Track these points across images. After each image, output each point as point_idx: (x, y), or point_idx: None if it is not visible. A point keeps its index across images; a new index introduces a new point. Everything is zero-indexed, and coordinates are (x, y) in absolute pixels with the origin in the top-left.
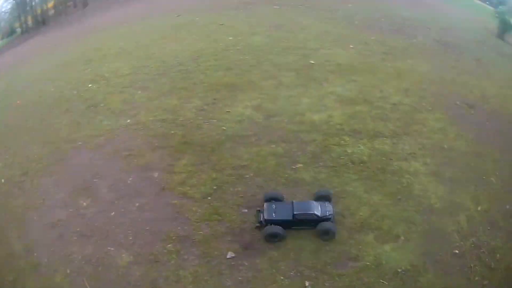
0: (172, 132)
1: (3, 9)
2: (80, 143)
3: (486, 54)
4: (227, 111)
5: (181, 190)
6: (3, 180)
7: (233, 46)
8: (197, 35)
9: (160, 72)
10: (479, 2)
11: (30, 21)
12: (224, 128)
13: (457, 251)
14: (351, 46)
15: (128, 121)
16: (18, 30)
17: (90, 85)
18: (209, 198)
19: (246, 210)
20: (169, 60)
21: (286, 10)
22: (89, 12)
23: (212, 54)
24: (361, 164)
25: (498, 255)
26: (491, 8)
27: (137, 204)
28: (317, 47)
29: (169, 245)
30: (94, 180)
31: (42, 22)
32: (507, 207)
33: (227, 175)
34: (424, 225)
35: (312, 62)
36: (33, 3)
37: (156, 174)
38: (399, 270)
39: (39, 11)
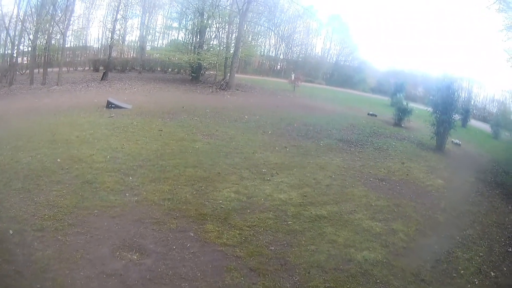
0: (184, 207)
1: None
2: (96, 211)
3: (386, 142)
4: (216, 195)
5: (220, 241)
6: (11, 231)
7: (185, 150)
8: (146, 137)
9: (136, 164)
10: (372, 95)
11: None
12: (223, 206)
13: None
14: (277, 149)
15: (136, 198)
16: None
17: (71, 164)
18: (244, 243)
19: (272, 248)
20: (136, 156)
21: (206, 120)
22: (17, 91)
23: (172, 154)
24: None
25: None
26: (386, 98)
27: (190, 252)
28: (251, 151)
29: (235, 273)
30: (134, 239)
31: None
32: None
33: (247, 231)
34: None
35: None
36: None
37: (192, 234)
38: None
39: None
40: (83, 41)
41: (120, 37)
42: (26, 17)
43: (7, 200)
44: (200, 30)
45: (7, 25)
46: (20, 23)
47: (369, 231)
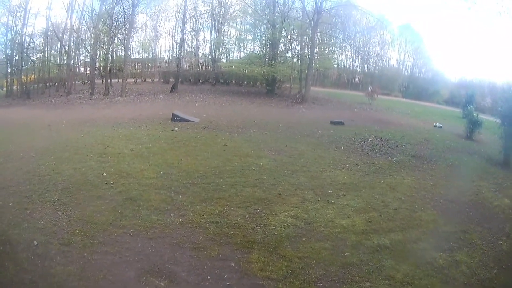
0: (231, 232)
1: None
2: (133, 231)
3: (457, 158)
4: (271, 219)
5: (263, 274)
6: (35, 242)
7: (248, 166)
8: (207, 152)
9: (189, 182)
10: (445, 107)
11: (15, 86)
12: (275, 233)
13: None
14: (347, 166)
15: (180, 219)
16: (3, 90)
17: (117, 179)
18: (289, 278)
19: (321, 284)
20: (192, 172)
21: (276, 135)
22: (75, 101)
23: (232, 171)
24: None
25: None
26: (458, 110)
27: (226, 284)
28: (320, 169)
29: None
30: (167, 265)
31: (26, 93)
32: None
33: (296, 263)
34: None
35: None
36: (21, 67)
37: (233, 264)
38: None
39: (23, 79)
40: (152, 52)
41: (193, 49)
42: (81, 28)
43: (39, 211)
44: (273, 42)
45: (60, 36)
46: (74, 34)
47: (432, 264)
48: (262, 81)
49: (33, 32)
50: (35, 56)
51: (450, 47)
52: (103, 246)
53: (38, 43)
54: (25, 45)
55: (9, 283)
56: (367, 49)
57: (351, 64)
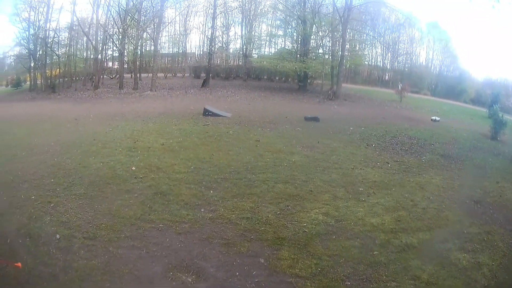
0: (262, 228)
1: (10, 51)
2: (161, 225)
3: (483, 158)
4: (302, 216)
5: (292, 271)
6: (58, 236)
7: (280, 162)
8: (240, 148)
9: (221, 177)
10: (471, 106)
11: (39, 80)
12: (306, 230)
13: None
14: (378, 164)
15: (211, 215)
16: (26, 84)
17: (146, 174)
18: (318, 276)
19: (349, 283)
20: (223, 168)
21: (309, 131)
22: (103, 95)
23: (264, 167)
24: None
25: None
26: (484, 110)
27: (254, 280)
28: (351, 167)
29: None
30: (195, 260)
31: (51, 87)
32: None
33: (326, 261)
34: None
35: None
36: (46, 62)
37: (262, 260)
38: None
39: (48, 73)
40: (182, 47)
41: (224, 44)
42: (108, 23)
43: (63, 205)
44: (304, 38)
45: (86, 30)
46: (101, 29)
47: (456, 265)
48: (294, 77)
49: (58, 27)
50: (60, 51)
51: (476, 45)
52: (129, 241)
53: (63, 38)
54: (49, 40)
55: (27, 276)
56: (397, 47)
57: (381, 61)
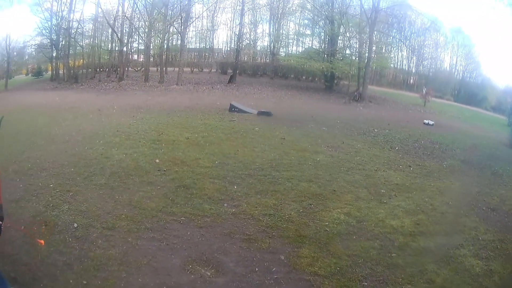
0: (284, 225)
1: (31, 41)
2: (183, 218)
3: (501, 166)
4: (324, 215)
5: (311, 269)
6: (75, 225)
7: (304, 161)
8: (265, 145)
9: (245, 173)
10: (492, 114)
11: (61, 70)
12: (327, 229)
13: None
14: (400, 167)
15: (233, 210)
16: (47, 74)
17: (170, 167)
18: (336, 275)
19: (366, 283)
20: (248, 164)
21: (334, 131)
22: (127, 87)
23: (289, 165)
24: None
25: None
26: (503, 118)
27: (273, 277)
28: (374, 168)
29: None
30: (215, 254)
31: (74, 77)
32: None
33: (345, 261)
34: None
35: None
36: (68, 52)
37: (282, 257)
38: None
39: (71, 63)
40: (209, 43)
41: (251, 41)
42: (134, 15)
43: (83, 194)
44: (332, 38)
45: (111, 22)
46: (127, 21)
47: (469, 271)
48: (320, 77)
49: (81, 18)
50: (83, 42)
51: (499, 52)
52: (150, 232)
53: (87, 29)
54: (73, 31)
55: (40, 264)
56: (422, 51)
57: (406, 64)
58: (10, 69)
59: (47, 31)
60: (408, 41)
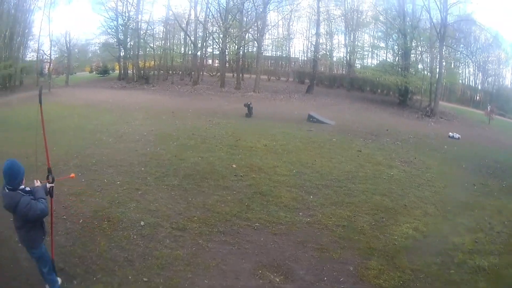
0: (356, 237)
1: (95, 39)
2: (258, 224)
3: None
4: (394, 229)
5: (376, 282)
6: (142, 223)
7: (379, 175)
8: (342, 156)
9: (322, 183)
10: None
11: (130, 70)
12: (396, 243)
13: None
14: (466, 185)
15: (308, 219)
16: (114, 72)
17: (247, 172)
18: None
19: None
20: (325, 174)
21: (407, 146)
22: (202, 91)
23: (364, 178)
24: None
25: None
26: None
27: (340, 287)
28: (443, 185)
29: None
30: (286, 261)
31: (145, 78)
32: None
33: (408, 275)
34: None
35: None
36: (138, 52)
37: (351, 268)
38: None
39: (141, 64)
40: (286, 51)
41: (327, 52)
42: (207, 20)
43: (153, 194)
44: (405, 52)
45: (183, 26)
46: (200, 26)
47: None
48: (395, 91)
49: (150, 20)
50: (154, 44)
51: None
52: (222, 236)
53: (157, 31)
54: (142, 32)
55: (96, 258)
56: (486, 67)
57: (473, 81)
58: (71, 66)
59: (113, 30)
60: (474, 57)
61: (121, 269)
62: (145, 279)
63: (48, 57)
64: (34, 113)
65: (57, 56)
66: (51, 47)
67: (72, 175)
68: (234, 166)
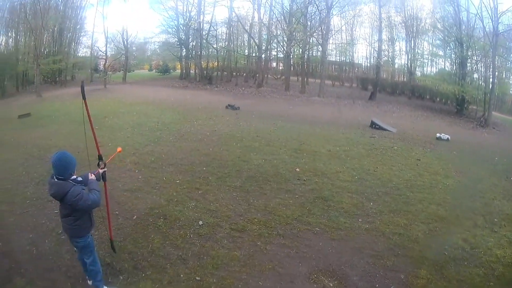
0: (410, 245)
1: (154, 38)
2: (317, 229)
3: None
4: (446, 238)
5: None
6: (200, 222)
7: (435, 184)
8: (402, 164)
9: (382, 191)
10: None
11: (192, 69)
12: (446, 253)
13: None
14: None
15: (367, 226)
16: (175, 71)
17: (310, 177)
18: None
19: None
20: (385, 182)
21: (463, 156)
22: (267, 94)
23: (421, 187)
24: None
25: None
26: None
27: None
28: (492, 197)
29: None
30: (342, 267)
31: (208, 79)
32: None
33: (453, 285)
34: None
35: None
36: (200, 53)
37: (402, 276)
38: None
39: (204, 64)
40: (350, 57)
41: (389, 59)
42: (271, 23)
43: (214, 194)
44: (462, 61)
45: (247, 28)
46: (264, 28)
47: None
48: (452, 100)
49: (213, 21)
50: (217, 45)
51: None
52: (281, 239)
53: (220, 32)
54: (204, 32)
55: (148, 255)
56: None
57: None
58: (128, 63)
59: (174, 29)
60: None
61: (173, 267)
62: (197, 278)
63: (103, 54)
64: (81, 107)
65: (113, 53)
66: (106, 44)
67: (119, 149)
68: (297, 170)
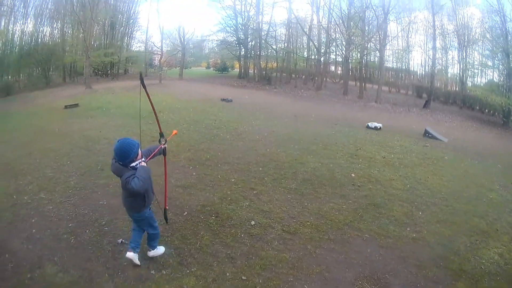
0: (451, 257)
1: (212, 36)
2: (367, 236)
3: None
4: (484, 252)
5: None
6: (253, 222)
7: (480, 197)
8: (452, 175)
9: (431, 201)
10: None
11: (251, 69)
12: (483, 267)
13: None
14: None
15: (414, 235)
16: (232, 70)
17: (364, 183)
18: None
19: None
20: (435, 192)
21: (506, 170)
22: (325, 97)
23: (467, 199)
24: None
25: None
26: None
27: None
28: None
29: None
30: (386, 275)
31: (267, 79)
32: None
33: None
34: None
35: None
36: (260, 53)
37: (440, 287)
38: None
39: (263, 65)
40: (405, 64)
41: (443, 67)
42: (330, 26)
43: (268, 195)
44: (508, 72)
45: (305, 30)
46: (323, 31)
47: None
48: (499, 111)
49: (271, 21)
50: (276, 45)
51: None
52: (331, 243)
53: (279, 33)
54: (263, 33)
55: (195, 251)
56: None
57: None
58: (185, 60)
59: (232, 29)
60: None
61: (220, 265)
62: (243, 277)
63: (159, 49)
64: (134, 101)
65: (168, 49)
66: (162, 39)
67: (175, 131)
68: (353, 175)
